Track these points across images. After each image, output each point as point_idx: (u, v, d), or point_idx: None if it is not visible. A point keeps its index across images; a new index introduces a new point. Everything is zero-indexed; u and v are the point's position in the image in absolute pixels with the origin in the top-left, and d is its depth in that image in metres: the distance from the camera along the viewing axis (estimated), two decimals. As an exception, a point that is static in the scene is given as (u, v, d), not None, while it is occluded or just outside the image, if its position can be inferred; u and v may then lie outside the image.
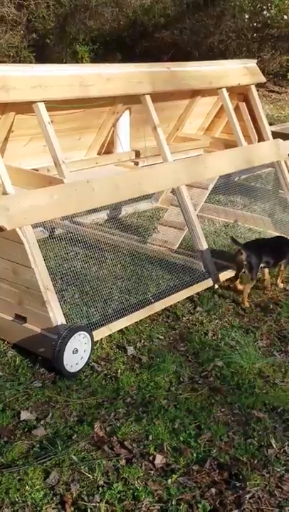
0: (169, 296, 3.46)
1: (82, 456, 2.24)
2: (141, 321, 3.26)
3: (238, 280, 3.66)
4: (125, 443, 2.32)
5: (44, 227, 4.00)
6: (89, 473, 2.15)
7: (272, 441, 2.39)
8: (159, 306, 3.38)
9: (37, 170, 3.60)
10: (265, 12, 10.93)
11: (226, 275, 3.84)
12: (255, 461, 2.28)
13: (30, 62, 10.62)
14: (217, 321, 3.36)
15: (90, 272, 3.73)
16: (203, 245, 3.78)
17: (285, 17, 10.87)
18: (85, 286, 3.52)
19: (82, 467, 2.18)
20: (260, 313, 3.48)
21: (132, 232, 4.43)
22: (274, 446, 2.36)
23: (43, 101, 3.16)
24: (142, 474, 2.17)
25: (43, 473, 2.14)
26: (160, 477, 2.17)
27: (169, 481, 2.15)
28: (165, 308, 3.42)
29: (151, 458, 2.25)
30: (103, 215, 4.68)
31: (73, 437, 2.34)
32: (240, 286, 3.63)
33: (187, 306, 3.50)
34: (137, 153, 4.28)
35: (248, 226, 4.76)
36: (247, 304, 3.52)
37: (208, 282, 3.69)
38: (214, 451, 2.31)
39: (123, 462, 2.22)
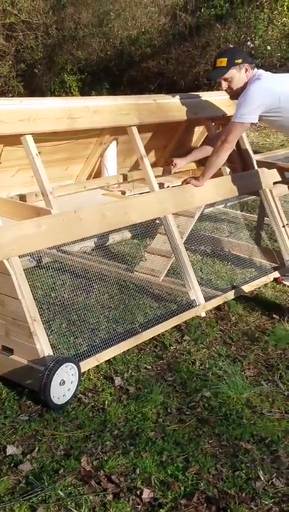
0: (156, 325, 3.47)
1: (68, 491, 2.21)
2: (128, 350, 3.26)
3: None
4: (112, 477, 2.30)
5: (31, 256, 4.00)
6: (76, 509, 2.12)
7: (260, 473, 2.38)
8: (146, 335, 3.38)
9: (24, 196, 3.63)
10: (249, 43, 11.18)
11: (213, 303, 3.86)
12: (244, 494, 2.27)
13: (19, 92, 10.75)
14: (204, 350, 3.37)
15: (78, 301, 3.73)
16: (190, 273, 3.81)
17: (269, 48, 11.12)
18: (72, 316, 3.52)
19: (69, 503, 2.15)
20: (247, 341, 3.49)
21: (119, 260, 4.45)
22: (262, 478, 2.35)
23: (31, 133, 3.19)
24: (129, 509, 2.14)
25: (30, 510, 2.11)
26: (148, 512, 2.15)
27: (157, 515, 2.13)
28: (152, 338, 3.42)
29: (138, 492, 2.23)
30: (90, 243, 4.70)
31: (60, 472, 2.32)
32: None
33: (174, 335, 3.51)
34: (125, 177, 4.32)
35: (234, 253, 4.81)
36: None
37: (196, 310, 3.71)
38: (202, 484, 2.30)
39: (110, 497, 2.20)
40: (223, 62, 3.74)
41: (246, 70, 3.75)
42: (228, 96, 4.02)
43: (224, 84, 3.81)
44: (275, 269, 4.51)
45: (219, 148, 3.83)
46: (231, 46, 10.25)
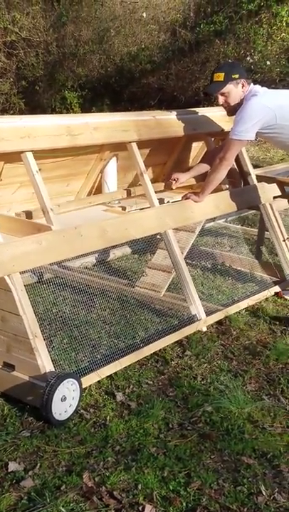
0: (157, 340, 3.47)
1: (70, 507, 2.21)
2: (130, 366, 3.26)
3: None
4: (114, 493, 2.29)
5: (33, 272, 4.02)
6: (77, 526, 2.12)
7: (262, 488, 2.37)
8: (147, 350, 3.39)
9: (30, 212, 3.65)
10: (248, 58, 11.26)
11: (214, 318, 3.86)
12: (246, 509, 2.26)
13: (20, 109, 10.86)
14: (206, 364, 3.37)
15: (79, 317, 3.74)
16: (190, 288, 3.82)
17: (268, 62, 11.20)
18: (73, 332, 3.53)
19: (71, 519, 2.15)
20: (248, 356, 3.49)
21: (120, 275, 4.46)
22: (264, 493, 2.35)
23: (31, 151, 3.23)
24: (131, 526, 2.14)
25: (31, 527, 2.11)
26: (150, 528, 2.14)
27: (159, 532, 2.12)
28: (154, 353, 3.42)
29: (140, 508, 2.23)
30: (92, 259, 4.72)
31: (62, 488, 2.31)
32: None
33: (176, 350, 3.51)
34: (128, 192, 4.35)
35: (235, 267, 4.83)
36: None
37: (197, 325, 3.71)
38: (204, 499, 2.30)
39: (112, 513, 2.20)
40: (220, 76, 3.79)
41: (243, 85, 3.80)
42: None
43: (221, 99, 3.86)
44: (275, 283, 4.52)
45: (218, 166, 3.86)
46: (229, 61, 10.33)
